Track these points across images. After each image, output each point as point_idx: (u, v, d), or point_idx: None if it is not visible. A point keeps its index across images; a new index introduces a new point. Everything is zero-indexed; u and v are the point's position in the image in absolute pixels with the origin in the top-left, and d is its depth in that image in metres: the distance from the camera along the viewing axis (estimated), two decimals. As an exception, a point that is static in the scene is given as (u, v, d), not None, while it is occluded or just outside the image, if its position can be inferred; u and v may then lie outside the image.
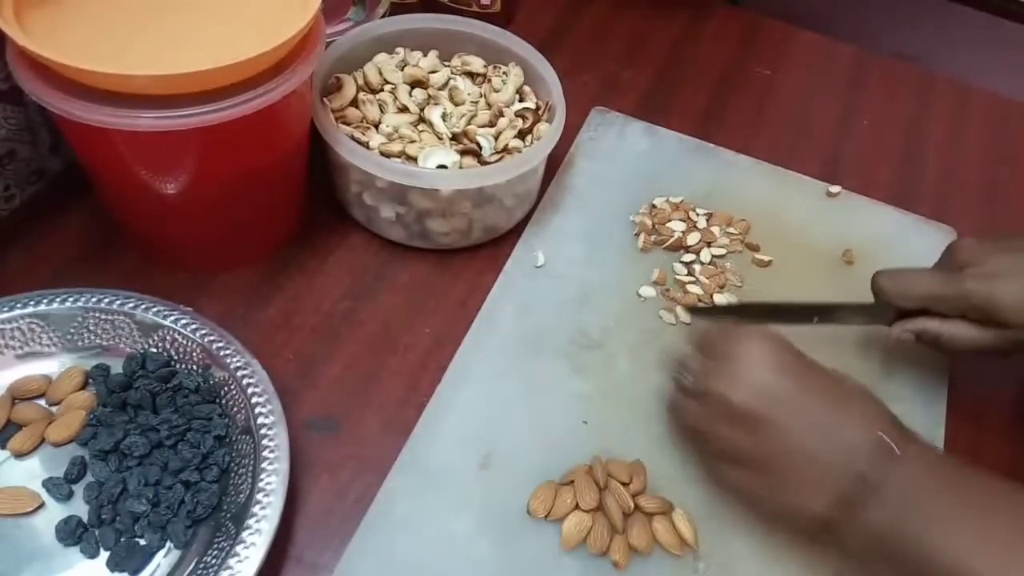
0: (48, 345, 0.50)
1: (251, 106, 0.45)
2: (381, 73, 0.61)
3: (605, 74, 0.77)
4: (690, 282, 0.60)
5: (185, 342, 0.49)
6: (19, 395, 0.48)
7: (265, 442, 0.45)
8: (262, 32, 0.45)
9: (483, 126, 0.60)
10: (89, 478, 0.46)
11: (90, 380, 0.49)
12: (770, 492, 0.44)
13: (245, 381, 0.47)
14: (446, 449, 0.50)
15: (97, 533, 0.44)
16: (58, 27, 0.44)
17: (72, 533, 0.43)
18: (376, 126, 0.59)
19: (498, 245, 0.61)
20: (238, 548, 0.41)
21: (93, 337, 0.50)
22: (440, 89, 0.62)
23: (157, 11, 0.46)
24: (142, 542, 0.44)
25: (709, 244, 0.63)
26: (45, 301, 0.49)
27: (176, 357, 0.50)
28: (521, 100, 0.63)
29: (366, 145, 0.56)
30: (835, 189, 0.69)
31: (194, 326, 0.49)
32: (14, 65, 0.44)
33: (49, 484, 0.45)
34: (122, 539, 0.44)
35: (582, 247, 0.62)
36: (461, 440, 0.50)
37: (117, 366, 0.49)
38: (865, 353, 0.58)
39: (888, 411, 0.44)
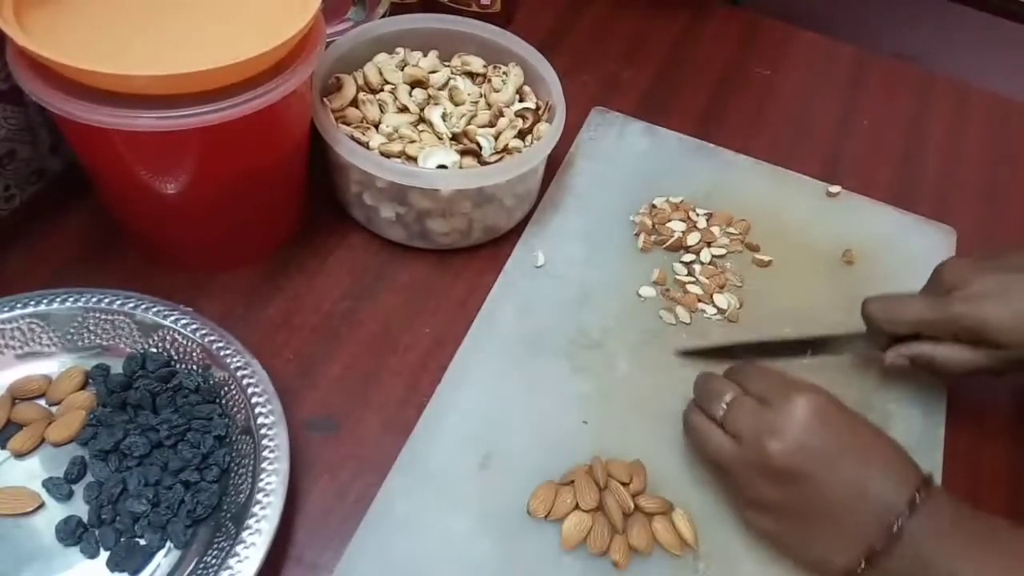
0: (48, 345, 0.50)
1: (251, 106, 0.45)
2: (381, 73, 0.61)
3: (605, 74, 0.77)
4: (690, 282, 0.60)
5: (185, 342, 0.49)
6: (19, 395, 0.48)
7: (265, 442, 0.45)
8: (262, 32, 0.45)
9: (483, 126, 0.60)
10: (89, 478, 0.46)
11: (90, 380, 0.49)
12: (796, 542, 0.45)
13: (245, 381, 0.47)
14: (446, 449, 0.50)
15: (97, 533, 0.44)
16: (58, 27, 0.44)
17: (72, 533, 0.43)
18: (376, 126, 0.59)
19: (498, 245, 0.61)
20: (238, 548, 0.41)
21: (93, 337, 0.50)
22: (440, 89, 0.62)
23: (157, 11, 0.46)
24: (142, 542, 0.44)
25: (709, 244, 0.63)
26: (45, 301, 0.49)
27: (176, 357, 0.50)
28: (521, 100, 0.63)
29: (366, 145, 0.56)
30: (835, 189, 0.69)
31: (194, 326, 0.49)
32: (14, 65, 0.44)
33: (49, 484, 0.45)
34: (122, 539, 0.44)
35: (582, 247, 0.62)
36: (461, 440, 0.50)
37: (117, 366, 0.49)
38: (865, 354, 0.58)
39: (919, 469, 0.44)
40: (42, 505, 0.45)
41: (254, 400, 0.47)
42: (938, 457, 0.54)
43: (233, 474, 0.46)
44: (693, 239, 0.62)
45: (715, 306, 0.59)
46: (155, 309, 0.50)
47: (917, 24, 1.53)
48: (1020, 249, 0.50)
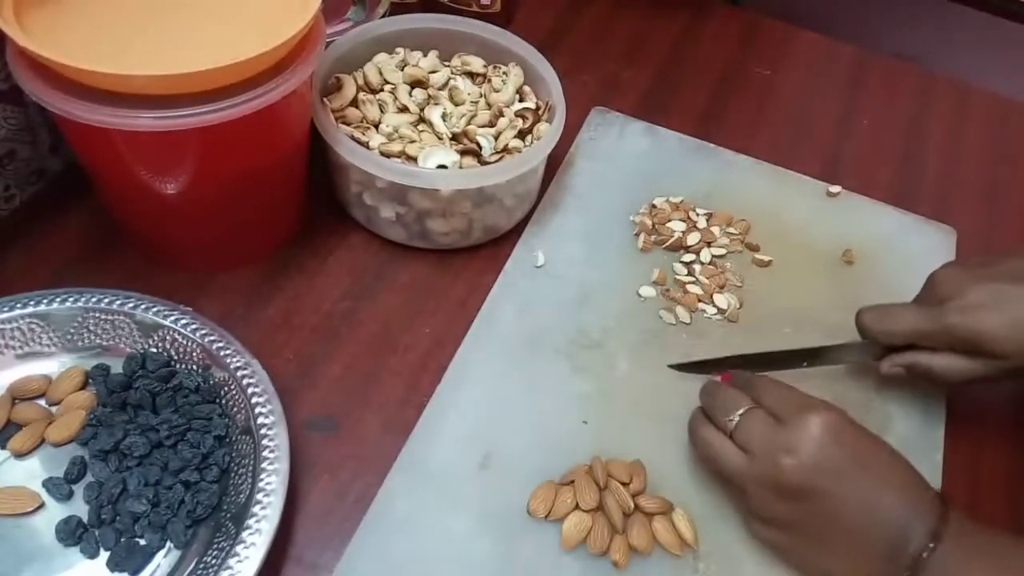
0: (48, 345, 0.50)
1: (251, 106, 0.45)
2: (381, 73, 0.61)
3: (605, 74, 0.77)
4: (690, 282, 0.60)
5: (185, 342, 0.49)
6: (19, 395, 0.48)
7: (265, 442, 0.45)
8: (262, 32, 0.45)
9: (483, 126, 0.60)
10: (89, 478, 0.46)
11: (90, 380, 0.49)
12: (804, 557, 0.45)
13: (245, 381, 0.47)
14: (446, 449, 0.50)
15: (97, 533, 0.44)
16: (58, 27, 0.44)
17: (72, 533, 0.43)
18: (376, 126, 0.59)
19: (498, 245, 0.61)
20: (238, 548, 0.41)
21: (93, 337, 0.50)
22: (440, 89, 0.62)
23: (157, 11, 0.46)
24: (142, 542, 0.44)
25: (709, 244, 0.63)
26: (45, 301, 0.49)
27: (176, 357, 0.50)
28: (521, 100, 0.63)
29: (366, 145, 0.56)
30: (835, 189, 0.69)
31: (194, 326, 0.49)
32: (14, 65, 0.44)
33: (49, 484, 0.45)
34: (122, 539, 0.44)
35: (582, 247, 0.62)
36: (461, 440, 0.50)
37: (117, 366, 0.49)
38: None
39: (933, 489, 0.44)
40: (42, 505, 0.45)
41: (254, 400, 0.47)
42: (937, 458, 0.54)
43: (233, 474, 0.46)
44: (693, 239, 0.62)
45: (715, 306, 0.59)
46: (155, 309, 0.50)
47: (917, 24, 1.53)
48: (1013, 256, 0.50)
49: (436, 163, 0.56)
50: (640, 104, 0.75)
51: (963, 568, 0.41)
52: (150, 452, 0.46)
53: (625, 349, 0.56)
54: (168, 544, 0.44)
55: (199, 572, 0.42)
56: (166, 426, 0.46)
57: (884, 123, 0.78)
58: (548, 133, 0.57)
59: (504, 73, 0.63)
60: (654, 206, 0.65)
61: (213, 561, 0.42)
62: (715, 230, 0.63)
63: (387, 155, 0.56)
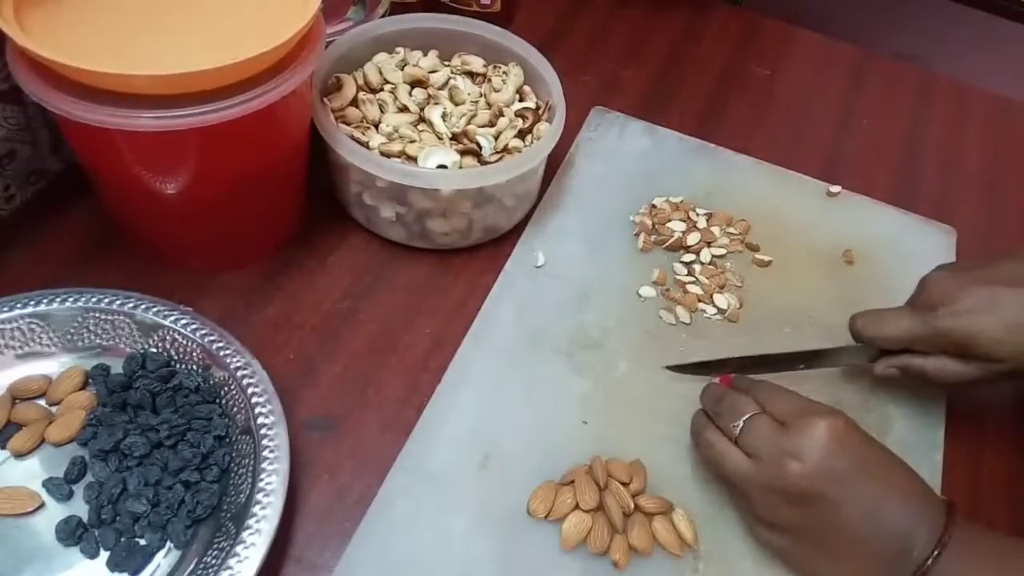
0: (48, 345, 0.50)
1: (251, 106, 0.45)
2: (381, 73, 0.61)
3: (605, 74, 0.77)
4: (690, 282, 0.60)
5: (185, 342, 0.49)
6: (19, 395, 0.48)
7: (265, 442, 0.45)
8: (262, 32, 0.45)
9: (483, 126, 0.60)
10: (89, 478, 0.46)
11: (90, 380, 0.49)
12: (808, 562, 0.45)
13: (245, 381, 0.47)
14: (446, 449, 0.50)
15: (97, 533, 0.44)
16: (58, 27, 0.44)
17: (72, 533, 0.43)
18: (376, 126, 0.59)
19: (498, 245, 0.61)
20: (238, 548, 0.41)
21: (93, 337, 0.50)
22: (440, 89, 0.62)
23: (157, 11, 0.46)
24: (142, 542, 0.44)
25: (709, 244, 0.63)
26: (45, 301, 0.49)
27: (176, 357, 0.50)
28: (521, 100, 0.63)
29: (366, 145, 0.56)
30: (835, 189, 0.69)
31: (194, 326, 0.49)
32: (14, 65, 0.44)
33: (49, 484, 0.45)
34: (122, 539, 0.44)
35: (582, 247, 0.62)
36: (461, 440, 0.50)
37: (117, 366, 0.49)
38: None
39: (937, 495, 0.44)
40: (42, 505, 0.45)
41: (254, 400, 0.47)
42: (937, 459, 0.54)
43: (233, 474, 0.46)
44: (693, 239, 0.62)
45: (715, 306, 0.59)
46: (155, 309, 0.50)
47: (917, 24, 1.53)
48: (1005, 258, 0.50)
49: (436, 163, 0.56)
50: (640, 104, 0.75)
51: (967, 574, 0.41)
52: (150, 452, 0.46)
53: (625, 349, 0.56)
54: (168, 544, 0.44)
55: (199, 572, 0.42)
56: (166, 426, 0.46)
57: (884, 123, 0.78)
58: (548, 133, 0.57)
59: (504, 73, 0.63)
60: (654, 206, 0.65)
61: (213, 561, 0.42)
62: (715, 230, 0.63)
63: (387, 155, 0.56)
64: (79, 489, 0.45)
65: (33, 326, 0.49)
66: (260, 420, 0.46)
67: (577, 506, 0.47)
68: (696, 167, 0.69)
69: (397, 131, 0.58)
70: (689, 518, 0.48)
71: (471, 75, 0.64)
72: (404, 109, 0.60)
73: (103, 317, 0.50)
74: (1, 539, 0.43)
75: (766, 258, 0.63)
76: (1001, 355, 0.47)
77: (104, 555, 0.43)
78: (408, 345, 0.55)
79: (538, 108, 0.61)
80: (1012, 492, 0.54)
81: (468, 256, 0.60)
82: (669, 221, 0.63)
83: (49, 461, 0.46)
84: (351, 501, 0.48)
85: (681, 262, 0.62)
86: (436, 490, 0.48)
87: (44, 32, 0.43)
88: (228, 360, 0.48)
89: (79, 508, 0.45)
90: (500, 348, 0.55)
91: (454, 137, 0.59)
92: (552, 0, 0.84)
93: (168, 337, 0.49)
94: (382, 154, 0.56)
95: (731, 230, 0.64)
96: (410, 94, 0.61)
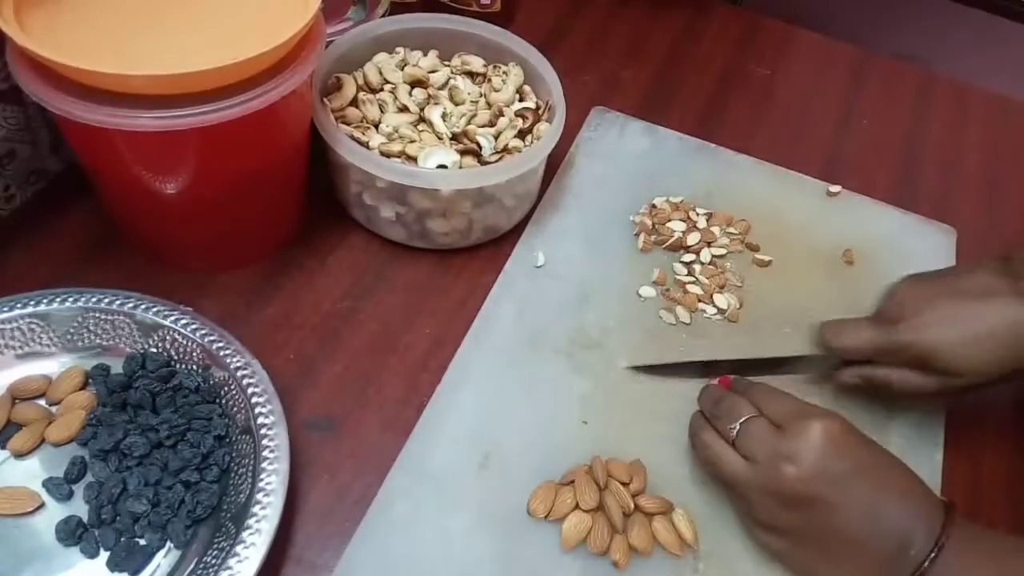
0: (48, 345, 0.50)
1: (251, 106, 0.45)
2: (381, 73, 0.61)
3: (605, 74, 0.77)
4: (690, 282, 0.60)
5: (185, 342, 0.49)
6: (19, 395, 0.48)
7: (265, 442, 0.45)
8: (262, 32, 0.45)
9: (483, 126, 0.60)
10: (89, 478, 0.46)
11: (90, 380, 0.49)
12: (806, 565, 0.45)
13: (245, 381, 0.47)
14: (445, 449, 0.50)
15: (97, 533, 0.44)
16: (58, 27, 0.44)
17: (72, 533, 0.43)
18: (376, 126, 0.59)
19: (498, 245, 0.61)
20: (238, 548, 0.41)
21: (93, 337, 0.50)
22: (440, 89, 0.62)
23: (157, 11, 0.46)
24: (142, 542, 0.44)
25: (709, 244, 0.63)
26: (45, 301, 0.49)
27: (176, 357, 0.50)
28: (521, 100, 0.63)
29: (366, 145, 0.56)
30: (835, 189, 0.69)
31: (194, 326, 0.49)
32: (14, 65, 0.44)
33: (49, 484, 0.45)
34: (122, 539, 0.44)
35: (582, 247, 0.62)
36: (461, 440, 0.50)
37: (117, 366, 0.49)
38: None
39: (935, 495, 0.44)
40: (42, 505, 0.45)
41: (254, 400, 0.47)
42: (937, 458, 0.54)
43: (233, 474, 0.46)
44: (693, 239, 0.62)
45: (715, 306, 0.59)
46: (155, 309, 0.50)
47: (917, 24, 1.53)
48: (977, 268, 0.50)
49: (436, 163, 0.56)
50: (640, 104, 0.75)
51: (967, 574, 0.41)
52: (150, 452, 0.46)
53: (625, 349, 0.56)
54: (168, 544, 0.44)
55: (199, 572, 0.42)
56: (166, 426, 0.46)
57: (884, 123, 0.78)
58: (548, 133, 0.57)
59: (504, 73, 0.63)
60: (654, 206, 0.65)
61: (213, 561, 0.42)
62: (715, 230, 0.63)
63: (387, 155, 0.56)
64: (79, 489, 0.45)
65: (33, 326, 0.49)
66: (260, 420, 0.46)
67: (577, 506, 0.47)
68: (696, 167, 0.69)
69: (397, 131, 0.58)
70: (689, 518, 0.48)
71: (471, 75, 0.64)
72: (404, 109, 0.60)
73: (103, 317, 0.50)
74: (1, 539, 0.43)
75: (766, 258, 0.63)
76: (960, 369, 0.47)
77: (104, 555, 0.43)
78: (408, 345, 0.55)
79: (538, 108, 0.61)
80: (1012, 492, 0.54)
81: (468, 256, 0.60)
82: (669, 221, 0.63)
83: (49, 461, 0.46)
84: (351, 501, 0.48)
85: (681, 262, 0.62)
86: (436, 490, 0.48)
87: (44, 32, 0.43)
88: (228, 360, 0.48)
89: (79, 508, 0.45)
90: (500, 348, 0.55)
91: (454, 137, 0.59)
92: (552, 0, 0.84)
93: (168, 337, 0.49)
94: (382, 154, 0.56)
95: (731, 230, 0.64)
96: (410, 94, 0.61)
